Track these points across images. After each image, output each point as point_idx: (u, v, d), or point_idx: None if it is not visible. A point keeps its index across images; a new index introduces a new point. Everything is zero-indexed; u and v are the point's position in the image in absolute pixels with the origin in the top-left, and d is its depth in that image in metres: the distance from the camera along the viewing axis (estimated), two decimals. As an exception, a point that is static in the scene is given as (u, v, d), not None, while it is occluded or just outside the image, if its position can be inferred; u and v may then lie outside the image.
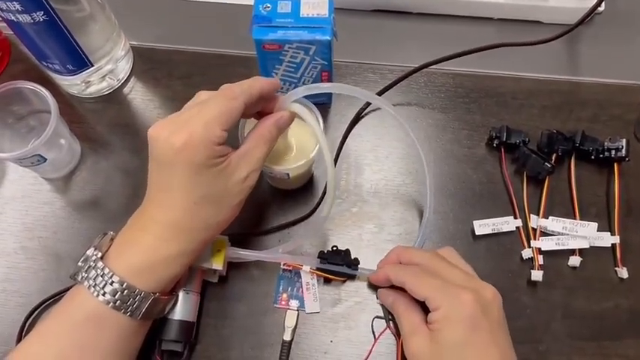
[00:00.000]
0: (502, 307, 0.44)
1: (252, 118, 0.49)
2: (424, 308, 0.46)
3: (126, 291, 0.42)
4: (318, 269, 0.53)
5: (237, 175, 0.44)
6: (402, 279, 0.47)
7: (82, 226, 0.57)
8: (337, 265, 0.53)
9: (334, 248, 0.54)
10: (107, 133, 0.62)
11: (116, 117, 0.63)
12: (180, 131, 0.41)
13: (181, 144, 0.40)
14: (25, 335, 0.52)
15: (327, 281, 0.54)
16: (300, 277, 0.54)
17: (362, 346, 0.52)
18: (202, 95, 0.45)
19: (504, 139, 0.58)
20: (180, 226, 0.43)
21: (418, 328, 0.45)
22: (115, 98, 0.64)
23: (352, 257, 0.54)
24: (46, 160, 0.55)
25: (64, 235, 0.57)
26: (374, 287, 0.53)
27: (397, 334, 0.50)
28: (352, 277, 0.54)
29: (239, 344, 0.52)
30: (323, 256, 0.53)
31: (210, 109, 0.42)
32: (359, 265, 0.53)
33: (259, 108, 0.47)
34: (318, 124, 0.46)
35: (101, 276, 0.42)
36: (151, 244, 0.43)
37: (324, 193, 0.58)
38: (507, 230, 0.55)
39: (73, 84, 0.62)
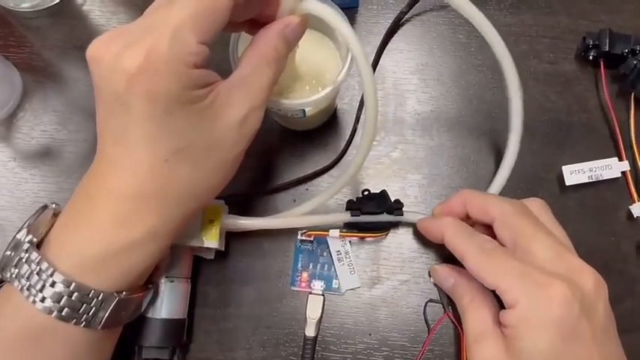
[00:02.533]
0: (608, 301, 0.33)
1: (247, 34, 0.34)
2: (498, 298, 0.34)
3: (75, 294, 0.30)
4: (348, 227, 0.40)
5: (231, 116, 0.30)
6: (461, 251, 0.35)
7: (30, 188, 0.44)
8: (374, 215, 0.39)
9: (366, 193, 0.41)
10: (57, 59, 0.47)
11: (68, 37, 0.48)
12: (134, 47, 0.27)
13: (136, 66, 0.26)
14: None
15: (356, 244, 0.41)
16: (327, 246, 0.41)
17: (413, 338, 0.39)
18: None
19: (605, 49, 0.43)
20: (147, 196, 0.30)
21: (488, 330, 0.34)
22: (65, 11, 0.48)
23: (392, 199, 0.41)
24: (-33, 99, 0.40)
25: (7, 200, 0.43)
26: (424, 243, 0.40)
27: (460, 323, 0.37)
28: (395, 225, 0.41)
29: (246, 341, 0.40)
30: (353, 207, 0.40)
31: (178, 10, 0.27)
32: (403, 209, 0.40)
33: (254, 13, 0.32)
34: (346, 25, 0.30)
35: (37, 273, 0.30)
36: (107, 225, 0.30)
37: (354, 132, 0.43)
38: (609, 177, 0.42)
39: (6, -7, 0.46)
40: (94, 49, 0.28)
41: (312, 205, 0.39)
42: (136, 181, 0.29)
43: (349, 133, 0.43)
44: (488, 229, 0.36)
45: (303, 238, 0.41)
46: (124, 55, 0.27)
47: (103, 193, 0.30)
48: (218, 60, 0.31)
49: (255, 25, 0.32)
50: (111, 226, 0.30)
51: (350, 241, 0.41)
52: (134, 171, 0.29)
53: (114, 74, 0.27)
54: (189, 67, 0.27)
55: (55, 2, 0.48)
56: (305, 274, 0.40)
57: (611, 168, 0.41)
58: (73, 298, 0.29)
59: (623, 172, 0.42)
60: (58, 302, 0.29)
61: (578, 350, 0.30)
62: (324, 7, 0.30)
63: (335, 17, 0.30)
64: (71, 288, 0.29)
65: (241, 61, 0.31)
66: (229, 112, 0.29)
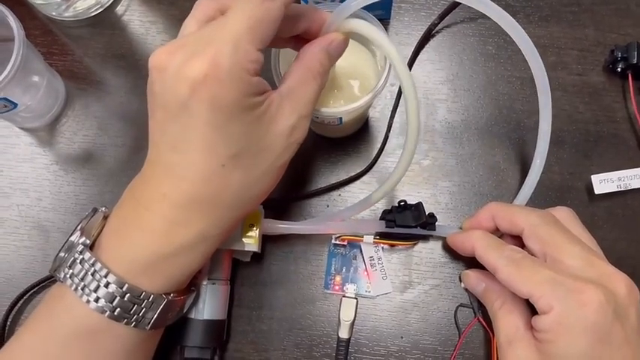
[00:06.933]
0: (639, 306, 0.33)
1: (290, 49, 0.36)
2: (529, 304, 0.34)
3: (127, 295, 0.31)
4: (381, 236, 0.41)
5: (281, 124, 0.31)
6: (492, 263, 0.35)
7: (72, 190, 0.45)
8: (408, 228, 0.40)
9: (402, 204, 0.41)
10: (98, 67, 0.48)
11: (109, 45, 0.49)
12: (199, 56, 0.28)
13: (202, 75, 0.27)
14: (9, 331, 0.41)
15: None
16: (359, 250, 0.42)
17: (444, 342, 0.40)
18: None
19: (633, 61, 0.43)
20: (201, 202, 0.30)
21: (520, 334, 0.34)
22: (105, 21, 0.49)
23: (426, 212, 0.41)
24: (16, 105, 0.41)
25: (49, 202, 0.44)
26: (452, 253, 0.41)
27: (491, 327, 0.38)
28: (425, 238, 0.42)
29: (280, 342, 0.41)
30: (388, 217, 0.40)
31: (237, 19, 0.28)
32: (436, 223, 0.41)
33: (299, 30, 0.33)
34: (388, 40, 0.32)
35: (91, 274, 0.31)
36: (159, 230, 0.31)
37: (386, 139, 0.44)
38: (638, 187, 0.42)
39: (50, 3, 0.47)
40: (157, 59, 0.29)
41: (347, 214, 0.40)
42: (192, 187, 0.30)
43: (381, 140, 0.44)
44: (518, 241, 0.37)
45: (337, 242, 0.41)
46: (189, 64, 0.27)
47: (156, 198, 0.30)
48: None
49: (300, 41, 0.33)
50: (162, 231, 0.30)
51: (382, 247, 0.42)
52: (191, 177, 0.29)
53: (178, 82, 0.28)
54: (250, 74, 0.28)
55: (96, 12, 0.49)
56: (338, 278, 0.41)
57: (640, 178, 0.42)
58: (125, 298, 0.30)
59: (652, 182, 0.42)
60: (111, 302, 0.30)
61: (611, 353, 0.31)
62: (364, 24, 0.32)
63: (377, 33, 0.32)
64: (124, 289, 0.30)
65: (289, 74, 0.32)
66: (280, 120, 0.30)
